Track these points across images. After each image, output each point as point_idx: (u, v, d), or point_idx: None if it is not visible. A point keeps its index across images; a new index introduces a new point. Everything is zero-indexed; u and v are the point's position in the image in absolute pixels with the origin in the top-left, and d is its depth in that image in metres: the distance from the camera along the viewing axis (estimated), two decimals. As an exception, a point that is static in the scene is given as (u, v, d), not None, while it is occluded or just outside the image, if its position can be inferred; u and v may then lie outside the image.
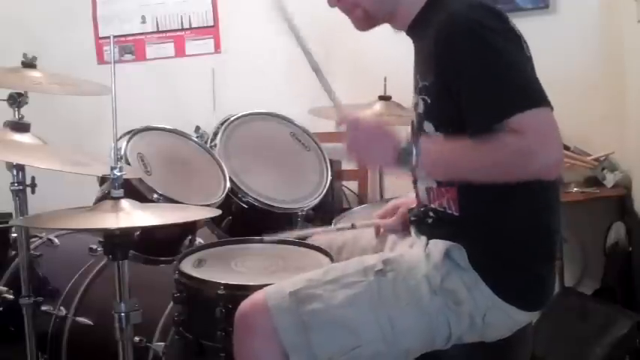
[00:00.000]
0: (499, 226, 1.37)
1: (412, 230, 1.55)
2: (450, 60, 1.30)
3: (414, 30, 1.47)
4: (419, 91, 1.42)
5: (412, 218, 1.54)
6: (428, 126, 1.40)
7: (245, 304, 1.39)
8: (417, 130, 1.45)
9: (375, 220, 1.71)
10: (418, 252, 1.43)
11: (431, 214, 1.46)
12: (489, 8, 1.34)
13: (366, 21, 1.48)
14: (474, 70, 1.27)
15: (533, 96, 1.24)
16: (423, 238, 1.45)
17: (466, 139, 1.27)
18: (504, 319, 1.38)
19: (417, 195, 1.53)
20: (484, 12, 1.31)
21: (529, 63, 1.34)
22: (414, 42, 1.49)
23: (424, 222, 1.48)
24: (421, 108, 1.41)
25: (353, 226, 1.78)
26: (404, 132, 1.40)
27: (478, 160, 1.26)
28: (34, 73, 2.09)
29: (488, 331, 1.38)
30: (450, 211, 1.41)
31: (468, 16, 1.30)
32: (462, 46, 1.28)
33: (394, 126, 1.43)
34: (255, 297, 1.39)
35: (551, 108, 1.24)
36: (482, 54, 1.27)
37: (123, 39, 3.60)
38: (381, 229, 1.68)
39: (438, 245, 1.39)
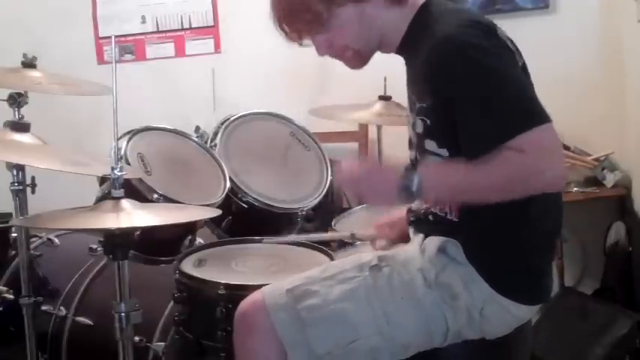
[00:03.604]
0: (497, 226, 1.37)
1: (410, 230, 1.55)
2: (445, 83, 1.30)
3: (403, 51, 1.47)
4: (417, 111, 1.41)
5: (411, 219, 1.55)
6: (430, 144, 1.39)
7: (244, 304, 1.40)
8: (417, 148, 1.45)
9: (374, 233, 1.71)
10: (414, 248, 1.44)
11: (430, 217, 1.46)
12: (478, 24, 1.33)
13: (358, 60, 1.49)
14: (471, 93, 1.27)
15: (533, 114, 1.23)
16: (421, 236, 1.45)
17: (468, 163, 1.26)
18: (502, 313, 1.37)
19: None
20: (474, 30, 1.31)
21: (524, 76, 1.34)
22: (405, 60, 1.49)
23: (423, 221, 1.48)
24: (420, 128, 1.40)
25: (352, 236, 1.79)
26: (401, 164, 1.39)
27: (483, 182, 1.25)
28: (34, 73, 2.09)
29: (488, 327, 1.38)
30: (450, 217, 1.41)
31: (459, 38, 1.29)
32: (455, 68, 1.28)
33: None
34: (254, 296, 1.40)
35: (551, 122, 1.24)
36: (477, 77, 1.26)
37: (123, 39, 3.60)
38: (377, 244, 1.68)
39: (434, 240, 1.40)
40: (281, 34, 1.49)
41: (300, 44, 1.49)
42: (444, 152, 1.37)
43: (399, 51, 1.48)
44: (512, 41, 1.37)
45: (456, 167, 1.30)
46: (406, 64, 1.49)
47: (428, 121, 1.38)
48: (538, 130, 1.22)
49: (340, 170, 1.42)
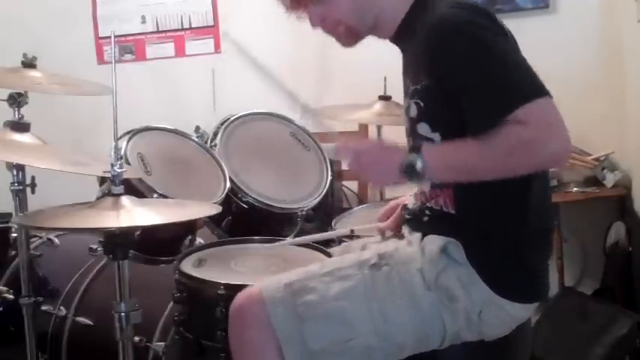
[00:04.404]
0: (494, 222, 1.37)
1: (406, 229, 1.54)
2: (443, 61, 1.30)
3: (399, 37, 1.47)
4: (410, 95, 1.42)
5: (407, 216, 1.54)
6: (423, 127, 1.39)
7: (240, 296, 1.40)
8: (410, 134, 1.45)
9: (376, 225, 1.71)
10: (413, 247, 1.43)
11: (427, 212, 1.46)
12: (476, 7, 1.34)
13: (350, 37, 1.48)
14: (470, 68, 1.27)
15: (533, 87, 1.24)
16: (418, 235, 1.45)
17: (469, 139, 1.27)
18: (501, 314, 1.37)
19: (417, 192, 1.54)
20: (471, 11, 1.32)
21: (522, 55, 1.34)
22: (400, 49, 1.49)
23: (420, 220, 1.48)
24: (414, 111, 1.41)
25: (352, 232, 1.80)
26: (404, 145, 1.39)
27: (487, 156, 1.25)
28: (34, 73, 2.09)
29: (486, 329, 1.38)
30: (446, 210, 1.41)
31: (457, 17, 1.31)
32: (455, 45, 1.28)
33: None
34: (251, 289, 1.40)
35: (551, 96, 1.24)
36: (476, 51, 1.27)
37: (123, 39, 3.60)
38: (386, 233, 1.68)
39: (435, 241, 1.39)
40: (281, 3, 1.48)
41: (298, 17, 1.48)
42: (437, 137, 1.37)
43: (396, 37, 1.48)
44: (508, 30, 1.37)
45: (458, 145, 1.29)
46: (402, 51, 1.49)
47: (422, 104, 1.38)
48: (540, 102, 1.22)
49: (341, 146, 1.40)
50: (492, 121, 1.22)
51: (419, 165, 1.28)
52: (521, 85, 1.24)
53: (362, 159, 1.36)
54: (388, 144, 1.40)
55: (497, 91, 1.25)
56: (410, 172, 1.29)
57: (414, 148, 1.30)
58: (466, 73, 1.27)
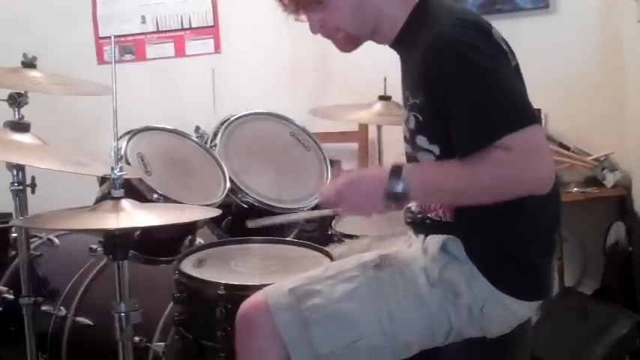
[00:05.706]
0: (494, 224, 1.37)
1: (410, 231, 1.56)
2: (437, 81, 1.31)
3: (398, 43, 1.47)
4: (409, 107, 1.42)
5: (409, 220, 1.55)
6: (421, 140, 1.40)
7: (245, 304, 1.40)
8: (410, 143, 1.46)
9: (324, 212, 1.70)
10: (416, 247, 1.45)
11: (427, 221, 1.47)
12: (473, 24, 1.34)
13: (349, 43, 1.48)
14: (461, 91, 1.28)
15: (521, 116, 1.25)
16: (421, 237, 1.46)
17: (455, 163, 1.28)
18: (502, 310, 1.38)
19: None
20: (468, 30, 1.32)
21: (516, 78, 1.35)
22: (400, 56, 1.49)
23: (421, 224, 1.49)
24: (412, 124, 1.41)
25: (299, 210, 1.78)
26: (385, 169, 1.35)
27: (470, 183, 1.27)
28: (34, 73, 2.08)
29: (488, 324, 1.39)
30: (445, 220, 1.42)
31: (454, 37, 1.30)
32: (449, 67, 1.29)
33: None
34: (256, 297, 1.40)
35: (539, 123, 1.25)
36: (468, 75, 1.27)
37: (123, 39, 3.60)
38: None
39: (435, 239, 1.40)
40: (279, 5, 1.48)
41: (297, 19, 1.48)
42: (435, 149, 1.38)
43: (395, 44, 1.48)
44: (505, 42, 1.38)
45: (442, 169, 1.31)
46: (401, 59, 1.49)
47: (420, 118, 1.39)
48: (526, 130, 1.23)
49: (322, 197, 1.41)
50: (478, 146, 1.24)
51: (399, 190, 1.29)
52: (510, 113, 1.25)
53: (345, 197, 1.37)
54: (363, 172, 1.40)
55: (484, 118, 1.26)
56: (393, 198, 1.31)
57: (394, 171, 1.30)
58: (457, 96, 1.28)
